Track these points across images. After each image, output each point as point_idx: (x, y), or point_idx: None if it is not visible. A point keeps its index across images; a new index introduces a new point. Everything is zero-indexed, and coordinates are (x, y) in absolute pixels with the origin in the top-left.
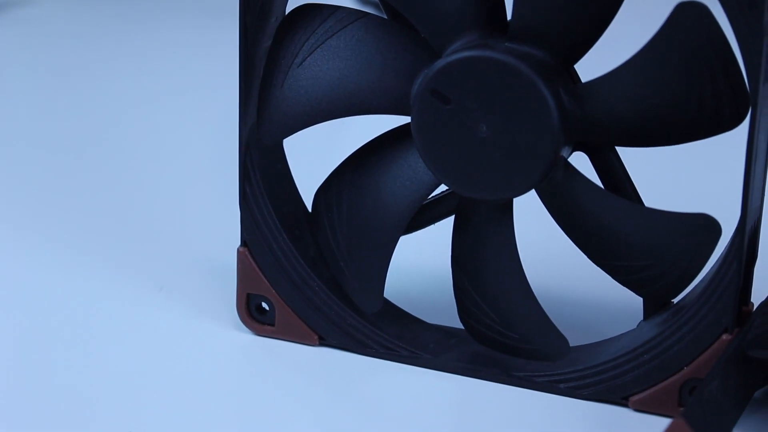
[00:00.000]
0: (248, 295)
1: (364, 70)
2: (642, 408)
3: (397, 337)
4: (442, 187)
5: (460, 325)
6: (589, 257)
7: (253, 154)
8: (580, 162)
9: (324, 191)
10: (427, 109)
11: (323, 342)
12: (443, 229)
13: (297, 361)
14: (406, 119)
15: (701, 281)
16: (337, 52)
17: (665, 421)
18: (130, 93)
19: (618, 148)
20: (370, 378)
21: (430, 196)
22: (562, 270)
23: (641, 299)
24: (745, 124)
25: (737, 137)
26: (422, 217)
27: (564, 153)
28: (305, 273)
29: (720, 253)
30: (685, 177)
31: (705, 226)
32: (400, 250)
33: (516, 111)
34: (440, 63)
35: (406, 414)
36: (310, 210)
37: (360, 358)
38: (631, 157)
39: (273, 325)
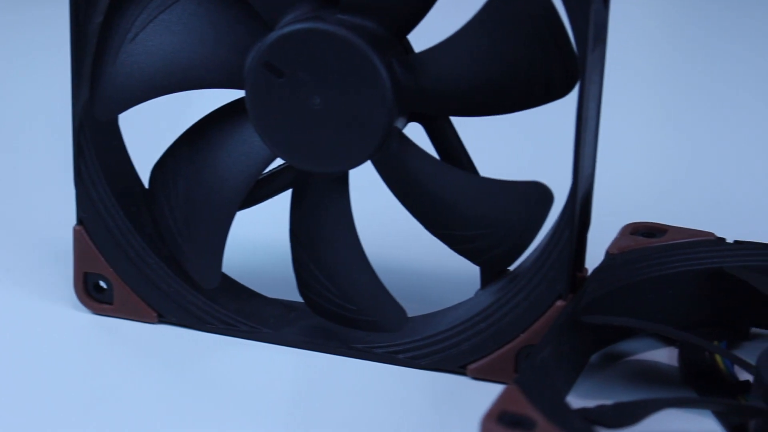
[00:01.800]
0: (85, 273)
1: (197, 45)
2: (480, 376)
3: (236, 312)
4: (280, 161)
5: (300, 299)
6: (426, 227)
7: (86, 131)
8: (416, 133)
9: (160, 167)
10: (261, 82)
11: (162, 319)
12: (281, 203)
13: (136, 339)
14: (241, 93)
15: (536, 249)
16: (170, 27)
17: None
18: None
19: (452, 118)
20: (210, 354)
21: (267, 170)
22: (399, 240)
23: (478, 268)
24: (576, 92)
25: (568, 105)
26: (259, 191)
27: (398, 124)
28: (142, 250)
29: (554, 221)
30: (518, 145)
31: (538, 194)
32: (238, 225)
33: (349, 83)
34: (272, 36)
35: (247, 389)
36: (147, 186)
37: (200, 335)
38: (465, 127)
39: (111, 303)
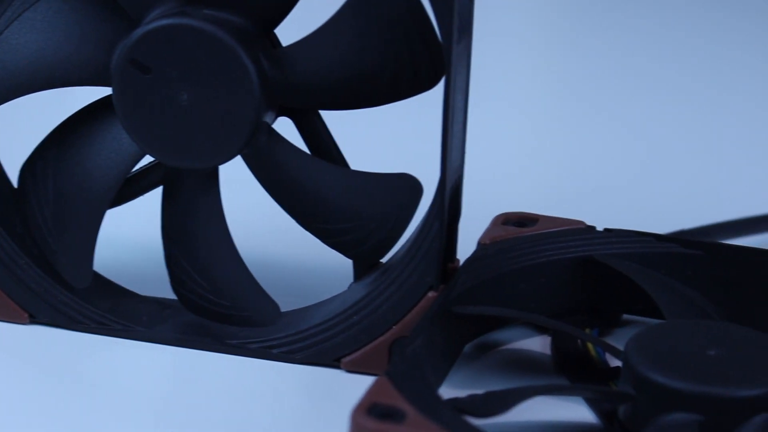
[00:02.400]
0: None
1: (63, 42)
2: (354, 369)
3: (109, 311)
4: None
5: (174, 296)
6: (297, 221)
7: None
8: (286, 127)
9: (29, 166)
10: (127, 79)
11: (34, 320)
12: (152, 200)
13: (7, 340)
14: (110, 90)
15: (407, 240)
16: (34, 24)
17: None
18: None
19: (322, 112)
20: (83, 354)
21: (136, 168)
22: (271, 235)
23: (351, 261)
24: (443, 84)
25: (436, 96)
26: (130, 189)
27: (267, 118)
28: (12, 250)
29: (424, 212)
30: (388, 138)
31: (407, 187)
32: (110, 223)
33: (216, 78)
34: (138, 32)
35: (121, 388)
36: (15, 186)
37: (72, 335)
38: (335, 120)
39: None
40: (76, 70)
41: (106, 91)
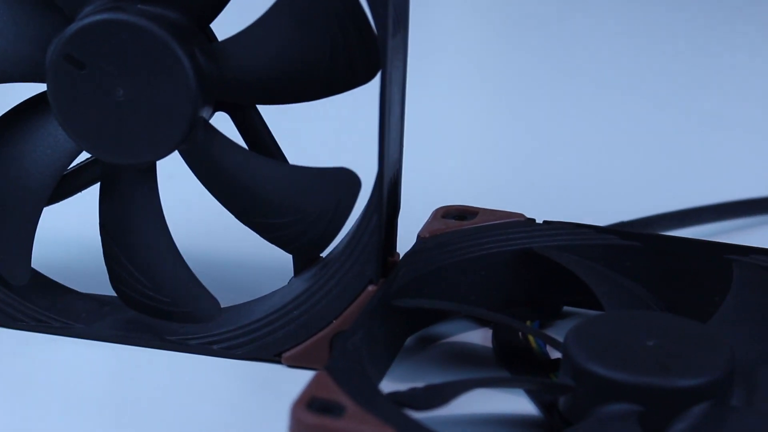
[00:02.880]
0: None
1: None
2: (295, 363)
3: (47, 308)
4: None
5: (113, 293)
6: (236, 216)
7: None
8: (224, 123)
9: None
10: (62, 75)
11: None
12: (91, 197)
13: None
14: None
15: (346, 235)
16: None
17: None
18: None
19: (260, 107)
20: (21, 352)
21: (73, 164)
22: (210, 230)
23: (291, 256)
24: (379, 77)
25: (373, 90)
26: (67, 185)
27: (203, 114)
28: None
29: (363, 206)
30: (326, 132)
31: (345, 181)
32: (47, 220)
33: (152, 73)
34: (72, 28)
35: (60, 386)
36: None
37: (10, 333)
38: (273, 115)
39: None
40: (11, 66)
41: (42, 87)
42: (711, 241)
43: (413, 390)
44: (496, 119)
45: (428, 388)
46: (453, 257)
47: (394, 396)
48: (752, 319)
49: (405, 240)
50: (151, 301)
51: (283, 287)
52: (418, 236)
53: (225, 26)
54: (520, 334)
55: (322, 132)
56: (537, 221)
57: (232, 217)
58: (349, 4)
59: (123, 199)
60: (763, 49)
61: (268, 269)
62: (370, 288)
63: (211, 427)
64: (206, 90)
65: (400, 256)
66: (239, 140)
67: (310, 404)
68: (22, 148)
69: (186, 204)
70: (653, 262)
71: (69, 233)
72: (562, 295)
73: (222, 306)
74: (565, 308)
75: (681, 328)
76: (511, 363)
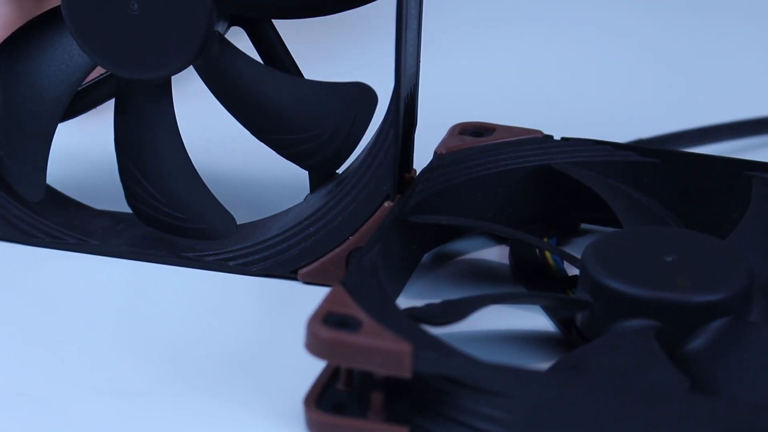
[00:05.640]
0: None
1: None
2: (311, 280)
3: (63, 225)
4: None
5: (129, 210)
6: (252, 132)
7: None
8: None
9: None
10: None
11: None
12: (106, 114)
13: None
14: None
15: (363, 151)
16: None
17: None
18: None
19: (276, 22)
20: (37, 268)
21: (88, 80)
22: (226, 147)
23: (307, 172)
24: None
25: (391, 5)
26: (81, 101)
27: (218, 28)
28: None
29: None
30: (343, 47)
31: (361, 95)
32: (64, 137)
33: None
34: None
35: (76, 301)
36: None
37: (26, 249)
38: (288, 30)
39: None
40: None
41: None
42: (730, 158)
43: (430, 306)
44: (515, 36)
45: (445, 304)
46: (470, 174)
47: (411, 311)
48: None
49: (422, 157)
50: (166, 217)
51: (299, 204)
52: (435, 152)
53: None
54: (537, 250)
55: (338, 48)
56: (555, 138)
57: (248, 133)
58: None
59: (138, 114)
60: None
61: (284, 186)
62: (387, 204)
63: (227, 343)
64: (221, 3)
65: (417, 173)
66: (255, 56)
67: (326, 319)
68: (36, 63)
69: (202, 121)
70: (671, 179)
71: (84, 150)
72: (579, 211)
73: (238, 223)
74: (583, 225)
75: (698, 243)
76: (527, 280)
